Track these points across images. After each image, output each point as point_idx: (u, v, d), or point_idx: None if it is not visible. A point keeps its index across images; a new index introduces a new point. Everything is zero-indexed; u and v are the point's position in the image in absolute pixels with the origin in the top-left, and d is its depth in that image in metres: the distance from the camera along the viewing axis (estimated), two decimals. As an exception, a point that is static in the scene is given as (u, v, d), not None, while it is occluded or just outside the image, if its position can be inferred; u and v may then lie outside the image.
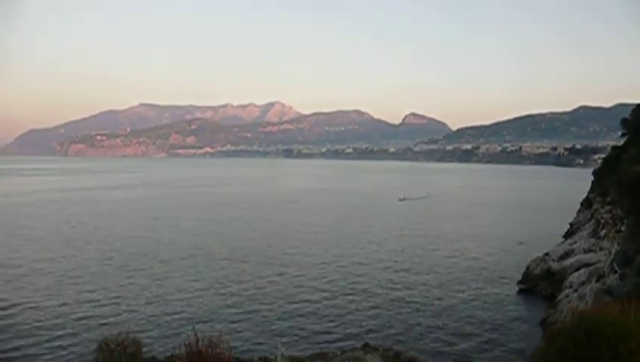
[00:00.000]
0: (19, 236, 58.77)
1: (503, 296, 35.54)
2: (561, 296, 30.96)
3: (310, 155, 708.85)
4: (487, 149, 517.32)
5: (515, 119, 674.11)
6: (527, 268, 38.70)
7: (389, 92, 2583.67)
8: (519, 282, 37.92)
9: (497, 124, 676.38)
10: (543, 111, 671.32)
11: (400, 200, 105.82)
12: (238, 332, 27.87)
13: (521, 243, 55.35)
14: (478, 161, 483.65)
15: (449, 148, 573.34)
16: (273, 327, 28.92)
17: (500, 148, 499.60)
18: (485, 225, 70.00)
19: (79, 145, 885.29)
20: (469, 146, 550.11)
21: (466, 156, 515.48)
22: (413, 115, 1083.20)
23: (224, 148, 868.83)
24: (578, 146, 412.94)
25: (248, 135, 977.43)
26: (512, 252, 50.67)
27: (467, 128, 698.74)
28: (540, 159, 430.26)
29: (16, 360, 24.22)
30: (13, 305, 32.24)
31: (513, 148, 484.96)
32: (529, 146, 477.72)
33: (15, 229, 63.66)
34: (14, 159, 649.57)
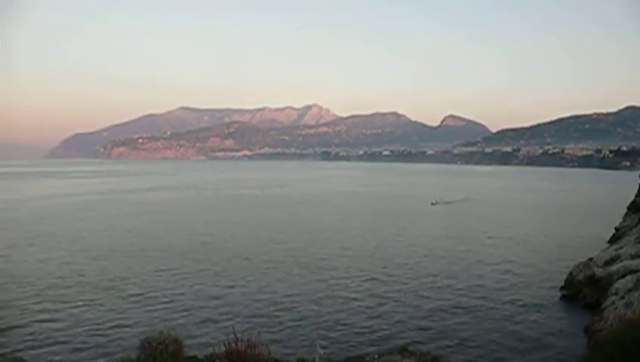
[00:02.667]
0: (64, 236, 60.60)
1: (545, 302, 34.60)
2: (607, 303, 30.00)
3: (347, 158, 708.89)
4: (527, 151, 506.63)
5: (557, 120, 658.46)
6: (570, 273, 37.62)
7: (427, 94, 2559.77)
8: (562, 288, 36.90)
9: (538, 126, 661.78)
10: (587, 112, 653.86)
11: (432, 204, 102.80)
12: (276, 332, 28.04)
13: (563, 248, 53.86)
14: (518, 164, 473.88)
15: (488, 150, 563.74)
16: (310, 329, 28.97)
17: (541, 151, 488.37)
18: (526, 229, 68.45)
19: (121, 148, 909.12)
20: (508, 148, 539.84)
21: (505, 158, 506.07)
22: (452, 116, 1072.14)
23: (262, 151, 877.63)
24: (624, 148, 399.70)
25: (286, 138, 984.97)
26: (553, 257, 49.32)
27: (507, 130, 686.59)
28: (584, 161, 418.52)
29: (60, 354, 25.00)
30: (57, 302, 33.34)
31: (555, 151, 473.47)
32: (572, 148, 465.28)
33: (61, 230, 65.68)
34: (60, 162, 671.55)
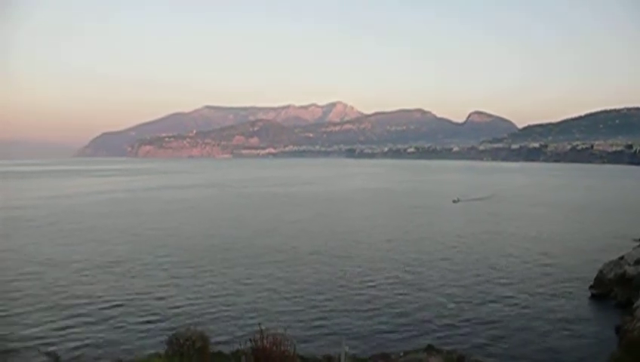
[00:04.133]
0: (93, 233, 61.78)
1: (574, 301, 34.04)
2: (638, 302, 29.40)
3: (372, 155, 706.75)
4: (555, 148, 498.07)
5: (586, 116, 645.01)
6: (600, 272, 36.92)
7: (452, 90, 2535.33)
8: (591, 287, 36.25)
9: (566, 121, 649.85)
10: (618, 106, 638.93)
11: (454, 201, 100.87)
12: (302, 329, 28.16)
13: (592, 246, 52.86)
14: (546, 160, 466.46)
15: (515, 146, 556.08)
16: (336, 326, 29.04)
17: (569, 147, 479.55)
18: (554, 227, 67.43)
19: (148, 147, 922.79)
20: (536, 145, 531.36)
21: (533, 155, 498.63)
22: (478, 113, 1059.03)
23: (286, 149, 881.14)
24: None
25: (310, 135, 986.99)
26: (582, 255, 48.46)
27: (534, 126, 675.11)
28: (614, 158, 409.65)
29: (89, 349, 25.52)
30: (84, 297, 34.01)
31: (584, 146, 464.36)
32: (601, 144, 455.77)
33: (90, 226, 66.96)
34: (90, 160, 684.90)
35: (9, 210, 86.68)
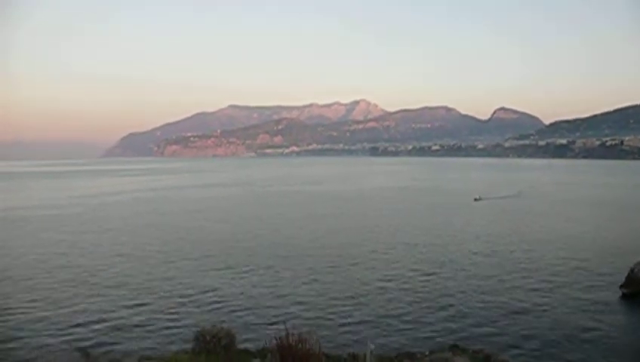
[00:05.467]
0: (121, 231, 62.82)
1: (604, 300, 33.30)
2: (670, 301, 28.74)
3: (396, 153, 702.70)
4: (583, 144, 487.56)
5: (616, 111, 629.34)
6: (632, 271, 36.08)
7: (477, 87, 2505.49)
8: (622, 286, 35.47)
9: (595, 117, 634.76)
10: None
11: (475, 200, 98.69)
12: (327, 327, 28.20)
13: (622, 245, 51.63)
14: (574, 157, 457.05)
15: (542, 143, 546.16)
16: (361, 324, 29.03)
17: (598, 143, 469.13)
18: (583, 226, 66.13)
19: (174, 147, 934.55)
20: (563, 141, 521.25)
21: (560, 151, 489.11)
22: (503, 109, 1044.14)
23: (310, 147, 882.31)
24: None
25: (334, 133, 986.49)
26: (613, 254, 47.36)
27: (561, 122, 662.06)
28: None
29: (118, 345, 25.96)
30: (113, 295, 34.66)
31: (613, 142, 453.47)
32: (632, 140, 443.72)
33: (118, 225, 68.12)
34: (118, 160, 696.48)
35: (48, 209, 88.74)
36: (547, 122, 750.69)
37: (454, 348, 23.53)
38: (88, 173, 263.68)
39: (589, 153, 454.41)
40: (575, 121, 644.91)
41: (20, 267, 43.92)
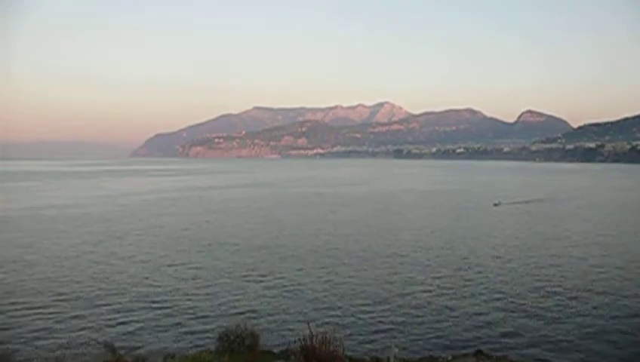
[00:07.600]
0: (147, 231, 63.71)
1: (635, 308, 32.40)
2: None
3: (420, 155, 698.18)
4: (613, 148, 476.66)
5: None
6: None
7: (503, 89, 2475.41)
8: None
9: (626, 120, 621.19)
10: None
11: (495, 205, 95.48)
12: (350, 330, 28.20)
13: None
14: (603, 161, 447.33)
15: (569, 147, 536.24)
16: (384, 327, 28.93)
17: (628, 147, 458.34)
18: (613, 232, 64.68)
19: (199, 148, 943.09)
20: (592, 145, 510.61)
21: (589, 155, 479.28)
22: (530, 112, 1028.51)
23: (334, 149, 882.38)
24: None
25: (358, 135, 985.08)
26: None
27: (590, 125, 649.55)
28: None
29: (142, 343, 26.37)
30: (139, 293, 35.19)
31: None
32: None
33: (145, 225, 69.10)
34: (144, 160, 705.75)
35: (79, 207, 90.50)
36: (575, 125, 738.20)
37: (478, 353, 23.30)
38: (116, 173, 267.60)
39: (619, 157, 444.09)
40: (605, 124, 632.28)
41: (49, 264, 44.88)
